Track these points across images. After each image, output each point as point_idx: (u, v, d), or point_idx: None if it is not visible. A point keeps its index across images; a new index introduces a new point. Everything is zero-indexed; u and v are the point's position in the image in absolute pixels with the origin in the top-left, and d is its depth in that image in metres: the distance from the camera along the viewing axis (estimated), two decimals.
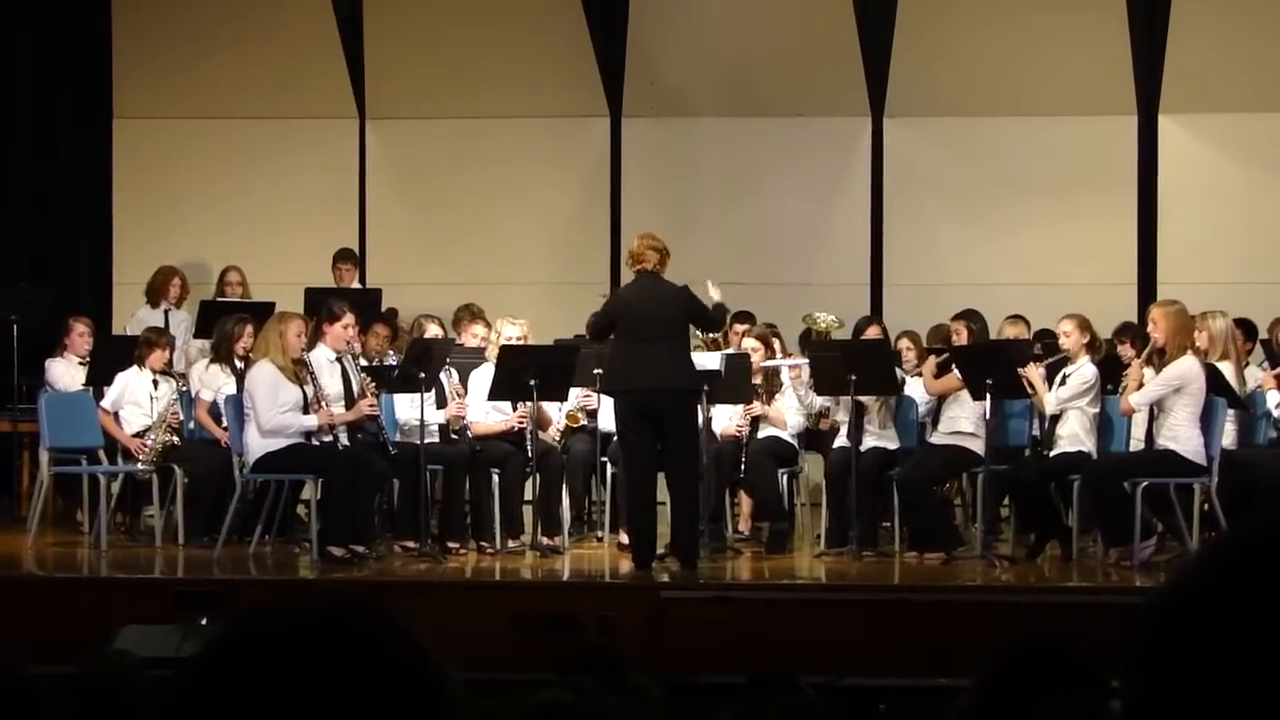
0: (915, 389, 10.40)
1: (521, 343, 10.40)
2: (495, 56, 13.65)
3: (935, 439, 10.22)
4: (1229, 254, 13.21)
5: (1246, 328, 11.13)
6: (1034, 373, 9.94)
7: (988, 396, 9.73)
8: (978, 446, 9.98)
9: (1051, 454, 9.92)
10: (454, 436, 10.39)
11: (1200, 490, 9.49)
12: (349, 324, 10.15)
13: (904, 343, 10.87)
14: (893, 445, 10.28)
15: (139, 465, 10.53)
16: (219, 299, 12.51)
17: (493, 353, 10.45)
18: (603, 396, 10.13)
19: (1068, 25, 13.14)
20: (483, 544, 10.11)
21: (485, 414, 10.46)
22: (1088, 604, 8.10)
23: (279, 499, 10.08)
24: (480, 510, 10.23)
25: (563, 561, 9.94)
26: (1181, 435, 9.44)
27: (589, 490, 10.91)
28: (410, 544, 9.89)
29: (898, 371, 10.45)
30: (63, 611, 8.34)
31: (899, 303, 13.30)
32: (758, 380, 10.56)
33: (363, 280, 13.46)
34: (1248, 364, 10.57)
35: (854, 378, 9.87)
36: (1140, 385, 9.55)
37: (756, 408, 10.52)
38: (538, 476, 10.21)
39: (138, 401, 10.69)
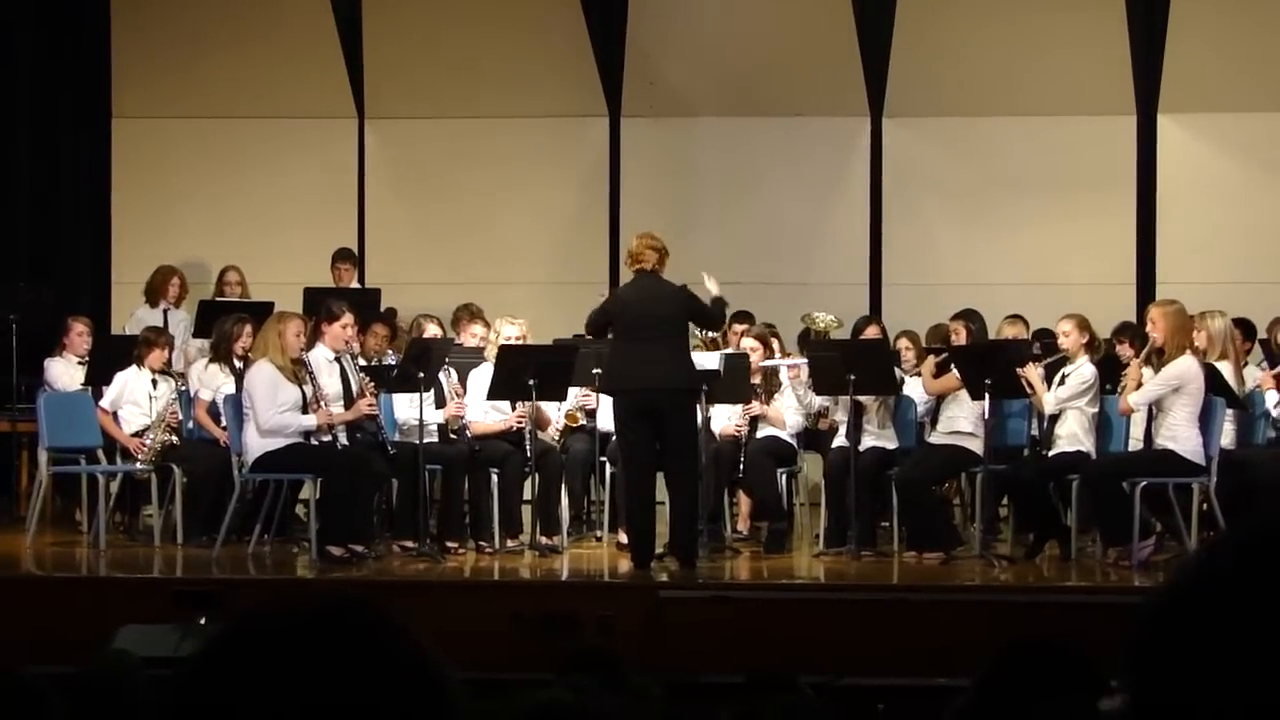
0: (914, 389, 10.41)
1: (520, 342, 10.40)
2: (494, 56, 13.65)
3: (934, 439, 10.22)
4: (1228, 254, 13.21)
5: (1245, 327, 11.14)
6: (1033, 372, 9.94)
7: (986, 396, 9.73)
8: (976, 446, 9.99)
9: (1050, 454, 9.92)
10: (453, 436, 10.39)
11: (1199, 490, 9.49)
12: (348, 324, 10.15)
13: (903, 342, 10.87)
14: (891, 445, 10.28)
15: (138, 465, 10.52)
16: (218, 298, 12.51)
17: (491, 352, 10.45)
18: (602, 396, 10.13)
19: (1067, 25, 13.14)
20: (481, 544, 10.11)
21: (484, 413, 10.46)
22: (1086, 604, 8.09)
23: (278, 498, 10.08)
24: (479, 510, 10.23)
25: (561, 561, 9.93)
26: (1180, 435, 9.44)
27: (588, 490, 10.90)
28: (409, 544, 9.89)
29: (896, 371, 10.45)
30: (61, 611, 8.34)
31: (898, 302, 13.30)
32: (756, 380, 10.56)
33: (362, 280, 13.45)
34: (1246, 364, 10.57)
35: (853, 377, 9.87)
36: (1139, 385, 9.55)
37: (755, 407, 10.52)
38: (536, 476, 10.21)
39: (136, 401, 10.69)
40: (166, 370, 10.84)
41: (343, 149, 14.02)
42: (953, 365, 10.09)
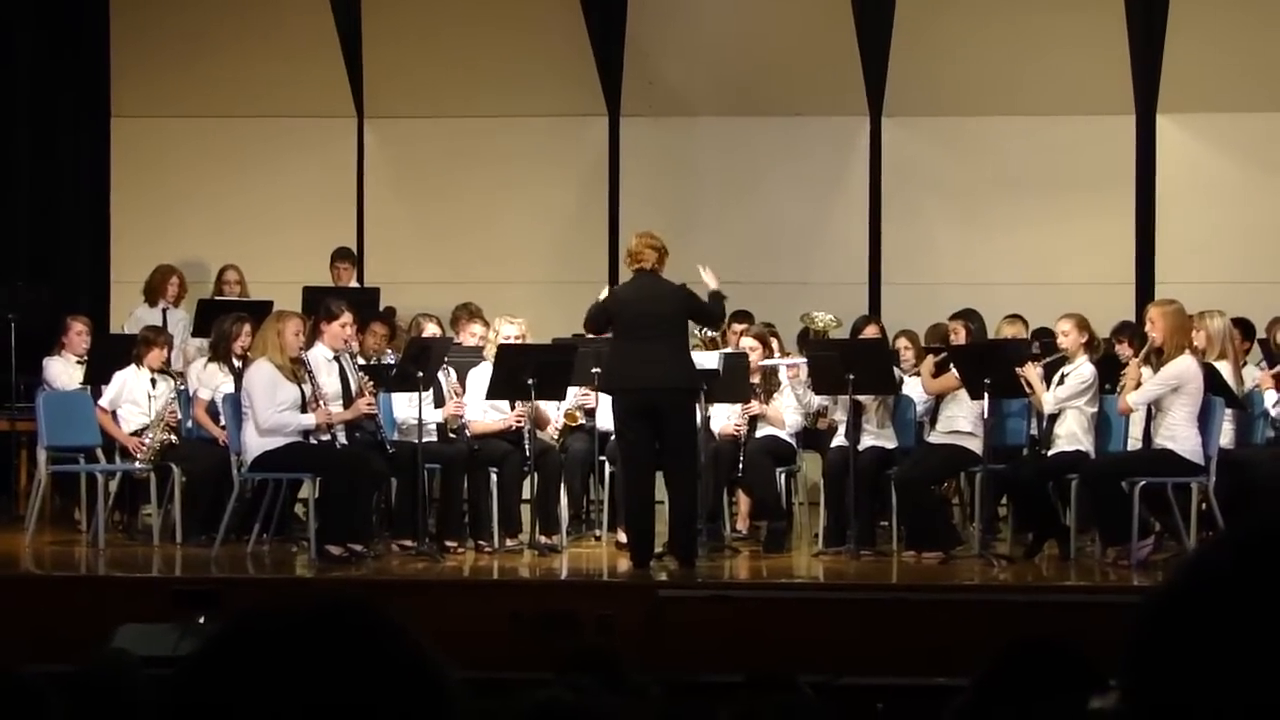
0: (913, 388, 10.40)
1: (519, 341, 10.40)
2: (494, 56, 13.65)
3: (933, 438, 10.22)
4: (1227, 254, 13.21)
5: (1244, 327, 11.14)
6: (1032, 372, 9.94)
7: (986, 396, 9.73)
8: (976, 446, 9.99)
9: (1049, 453, 9.93)
10: (452, 435, 10.39)
11: (1198, 490, 9.49)
12: (347, 323, 10.15)
13: (902, 342, 10.88)
14: (891, 444, 10.28)
15: (137, 464, 10.52)
16: (217, 298, 12.51)
17: (491, 351, 10.44)
18: (601, 395, 10.13)
19: (1066, 25, 13.14)
20: (481, 543, 10.11)
21: (483, 413, 10.46)
22: (1085, 603, 8.09)
23: (277, 498, 10.08)
24: (478, 509, 10.23)
25: (561, 560, 9.93)
26: (1179, 435, 9.44)
27: (587, 489, 10.91)
28: (408, 543, 9.89)
29: (896, 371, 10.45)
30: (60, 610, 8.34)
31: (897, 302, 13.30)
32: (756, 379, 10.56)
33: (361, 279, 13.45)
34: (1245, 363, 10.57)
35: (852, 377, 9.87)
36: (1138, 385, 9.55)
37: (755, 407, 10.52)
38: (536, 475, 10.21)
39: (136, 400, 10.68)
40: (165, 369, 10.84)
41: (342, 148, 14.01)
42: (952, 365, 10.09)
